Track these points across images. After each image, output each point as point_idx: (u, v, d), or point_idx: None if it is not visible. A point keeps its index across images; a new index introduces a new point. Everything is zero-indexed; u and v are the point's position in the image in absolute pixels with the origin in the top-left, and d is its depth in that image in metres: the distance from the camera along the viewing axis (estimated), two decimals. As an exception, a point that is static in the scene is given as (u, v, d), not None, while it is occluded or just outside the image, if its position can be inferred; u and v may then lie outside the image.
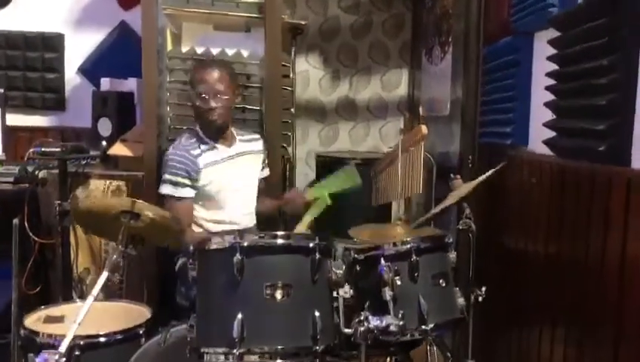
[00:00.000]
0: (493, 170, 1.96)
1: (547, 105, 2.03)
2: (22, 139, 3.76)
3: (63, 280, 2.92)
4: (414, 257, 1.64)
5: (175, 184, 2.39)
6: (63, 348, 1.60)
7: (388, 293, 1.57)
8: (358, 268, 1.70)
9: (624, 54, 1.56)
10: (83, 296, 3.05)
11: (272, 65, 2.80)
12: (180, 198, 2.40)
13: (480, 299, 1.86)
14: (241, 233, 1.52)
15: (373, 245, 1.69)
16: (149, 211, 1.68)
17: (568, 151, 1.90)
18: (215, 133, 2.49)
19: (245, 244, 1.44)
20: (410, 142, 2.41)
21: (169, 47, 2.92)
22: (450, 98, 3.13)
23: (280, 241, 1.50)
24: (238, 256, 1.42)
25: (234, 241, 1.45)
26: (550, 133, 2.03)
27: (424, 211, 2.88)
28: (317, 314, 1.46)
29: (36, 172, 3.00)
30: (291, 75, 2.91)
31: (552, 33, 2.01)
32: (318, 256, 1.49)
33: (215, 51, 2.89)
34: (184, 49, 2.91)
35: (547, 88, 2.04)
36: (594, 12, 1.71)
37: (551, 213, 2.11)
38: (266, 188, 2.73)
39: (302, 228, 2.46)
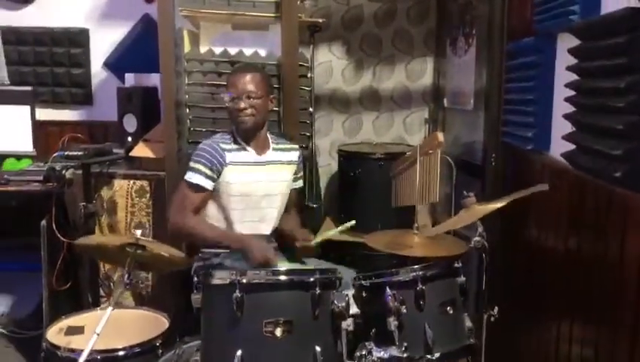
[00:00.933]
0: (516, 194, 1.89)
1: (566, 117, 1.96)
2: (52, 134, 3.85)
3: (89, 278, 3.02)
4: (420, 286, 1.62)
5: (194, 170, 2.40)
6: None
7: (393, 323, 1.56)
8: (364, 295, 1.69)
9: (643, 77, 1.49)
10: (110, 293, 3.15)
11: (290, 66, 2.77)
12: (192, 185, 2.39)
13: (492, 319, 1.83)
14: (242, 270, 1.52)
15: (379, 272, 1.66)
16: (152, 246, 1.70)
17: (586, 168, 1.83)
18: (245, 135, 2.48)
19: (244, 281, 1.45)
20: (427, 148, 2.36)
21: (187, 47, 2.90)
22: (474, 92, 3.05)
23: (280, 278, 1.50)
24: (237, 293, 1.43)
25: (233, 278, 1.45)
26: (570, 145, 1.96)
27: (446, 214, 2.84)
28: (318, 349, 1.47)
29: (63, 172, 3.08)
30: (309, 75, 2.87)
31: (573, 40, 1.92)
32: (318, 290, 1.48)
33: (233, 51, 2.87)
34: (202, 49, 2.90)
35: (566, 99, 1.96)
36: (614, 28, 1.62)
37: (569, 225, 2.06)
38: (298, 198, 2.73)
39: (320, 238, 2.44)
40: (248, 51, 2.87)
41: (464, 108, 3.19)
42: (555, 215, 2.17)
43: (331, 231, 2.48)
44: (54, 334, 2.08)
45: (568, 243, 2.05)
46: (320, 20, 2.89)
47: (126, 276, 1.66)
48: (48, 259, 3.02)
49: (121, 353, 2.02)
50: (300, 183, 2.72)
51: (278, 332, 1.44)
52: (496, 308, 1.83)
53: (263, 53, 2.87)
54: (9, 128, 3.55)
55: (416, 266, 1.69)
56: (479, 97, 2.97)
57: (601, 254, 1.74)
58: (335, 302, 1.52)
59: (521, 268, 2.54)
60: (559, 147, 2.08)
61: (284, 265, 2.34)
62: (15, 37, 3.78)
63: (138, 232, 1.76)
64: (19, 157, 3.49)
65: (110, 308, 1.62)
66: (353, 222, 2.38)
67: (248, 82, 2.42)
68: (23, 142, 3.54)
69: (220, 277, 1.50)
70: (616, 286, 1.65)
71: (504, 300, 2.62)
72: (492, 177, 2.80)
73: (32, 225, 3.03)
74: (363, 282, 1.68)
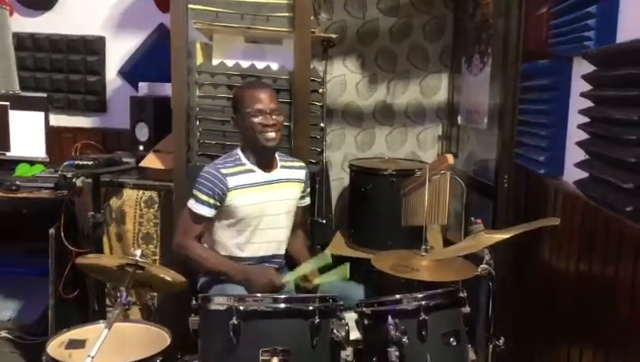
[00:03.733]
0: (526, 226, 1.84)
1: (580, 144, 1.91)
2: (66, 140, 3.88)
3: (96, 288, 3.02)
4: (423, 316, 1.58)
5: (197, 200, 2.39)
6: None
7: (394, 354, 1.52)
8: (366, 322, 1.66)
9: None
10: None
11: (301, 80, 2.75)
12: (194, 214, 2.39)
13: (498, 350, 1.79)
14: (240, 296, 1.50)
15: (382, 300, 1.63)
16: (151, 268, 1.68)
17: (598, 198, 1.79)
18: (263, 153, 2.45)
19: (242, 308, 1.42)
20: (436, 169, 2.33)
21: (200, 59, 2.90)
22: (487, 111, 3.01)
23: (278, 305, 1.47)
24: (234, 320, 1.41)
25: (231, 304, 1.43)
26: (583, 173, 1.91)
27: (458, 234, 2.79)
28: (315, 379, 1.44)
29: (74, 180, 3.09)
30: (320, 90, 2.84)
31: (588, 66, 1.88)
32: (317, 319, 1.45)
33: (245, 65, 2.86)
34: (215, 62, 2.89)
35: (579, 126, 1.91)
36: (629, 58, 1.57)
37: (581, 253, 2.01)
38: (304, 216, 2.72)
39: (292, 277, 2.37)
40: (260, 65, 2.86)
41: (478, 126, 3.15)
42: (567, 243, 2.13)
43: (307, 267, 2.40)
44: (55, 347, 2.06)
45: (579, 271, 2.01)
46: (333, 36, 2.86)
47: (124, 296, 1.65)
48: (56, 267, 3.03)
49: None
50: (307, 201, 2.69)
51: (275, 361, 1.42)
52: (502, 338, 1.78)
53: (275, 67, 2.86)
54: (23, 134, 3.58)
55: (419, 295, 1.65)
56: (493, 116, 2.92)
57: (613, 283, 1.69)
58: (335, 331, 1.49)
59: (532, 295, 2.49)
60: (573, 173, 2.03)
61: (290, 279, 2.33)
62: (32, 43, 3.82)
63: (138, 253, 1.75)
64: (32, 162, 3.52)
65: (106, 331, 1.61)
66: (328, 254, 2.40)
67: (271, 99, 2.41)
68: (37, 148, 3.57)
69: (218, 303, 1.48)
70: (627, 316, 1.61)
71: (515, 329, 2.58)
72: (504, 199, 2.76)
73: (41, 232, 3.04)
74: (364, 309, 1.65)
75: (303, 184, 2.60)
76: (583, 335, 1.92)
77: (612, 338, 1.72)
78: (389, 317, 1.57)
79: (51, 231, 2.94)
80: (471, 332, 1.73)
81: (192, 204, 2.41)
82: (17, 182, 3.20)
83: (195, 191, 2.41)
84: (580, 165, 1.90)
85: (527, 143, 2.49)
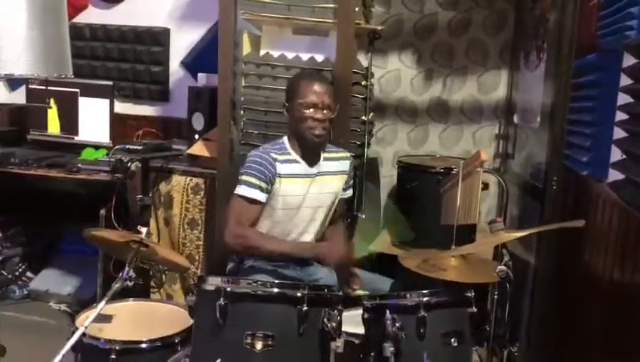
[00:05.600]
0: (545, 226, 1.74)
1: (617, 143, 1.78)
2: (130, 127, 4.05)
3: (142, 268, 3.13)
4: (422, 312, 1.52)
5: (248, 184, 2.32)
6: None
7: (389, 349, 1.48)
8: (366, 316, 1.62)
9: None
10: (161, 285, 3.26)
11: (343, 73, 2.72)
12: (250, 200, 2.32)
13: (512, 356, 1.70)
14: (232, 278, 1.50)
15: (385, 294, 1.59)
16: (155, 247, 1.72)
17: (631, 201, 1.65)
18: (308, 147, 2.40)
19: (229, 289, 1.42)
20: (470, 166, 2.24)
21: (248, 49, 2.94)
22: (540, 110, 2.86)
23: (266, 289, 1.46)
24: (221, 301, 1.41)
25: (220, 285, 1.44)
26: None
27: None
28: (300, 367, 1.42)
29: (129, 164, 3.22)
30: (364, 83, 2.80)
31: (628, 59, 1.74)
32: (306, 307, 1.43)
33: (290, 56, 2.87)
34: (262, 53, 2.92)
35: (617, 124, 1.78)
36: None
37: (617, 260, 1.87)
38: (344, 208, 2.66)
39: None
40: (305, 56, 2.86)
41: (531, 125, 3.00)
42: (604, 250, 1.99)
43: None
44: (81, 321, 2.16)
45: (613, 278, 1.87)
46: (379, 27, 2.81)
47: (126, 271, 1.70)
48: (105, 246, 3.18)
49: (143, 345, 2.07)
50: (349, 193, 2.64)
51: (259, 345, 1.41)
52: (517, 344, 1.69)
53: (319, 58, 2.85)
54: (90, 119, 3.78)
55: (424, 291, 1.59)
56: (545, 115, 2.78)
57: None
58: (325, 320, 1.46)
59: (570, 303, 2.35)
60: (616, 175, 1.89)
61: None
62: (103, 34, 4.01)
63: (144, 231, 1.80)
64: (97, 147, 3.71)
65: (102, 303, 1.66)
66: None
67: (326, 93, 2.34)
68: (102, 133, 3.76)
69: (209, 283, 1.49)
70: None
71: (554, 336, 2.45)
72: (552, 203, 2.61)
73: (98, 212, 3.20)
74: (366, 303, 1.61)
75: (346, 176, 2.54)
76: (613, 340, 1.78)
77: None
78: (387, 312, 1.52)
79: (102, 211, 3.08)
80: (478, 334, 1.65)
81: (242, 189, 2.32)
82: (79, 165, 3.39)
83: (245, 177, 2.33)
84: (615, 166, 1.77)
85: (575, 143, 2.35)
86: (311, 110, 2.32)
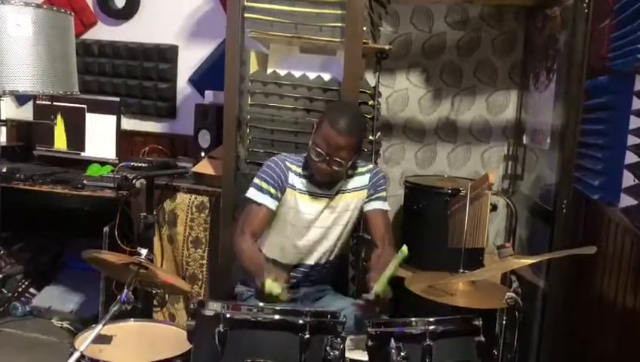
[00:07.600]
0: (557, 253, 1.69)
1: (629, 167, 1.73)
2: (136, 143, 4.04)
3: (144, 288, 3.10)
4: (428, 341, 1.47)
5: (259, 189, 2.29)
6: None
7: (393, 379, 1.43)
8: (370, 343, 1.57)
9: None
10: (163, 304, 3.22)
11: (350, 92, 2.70)
12: (259, 204, 2.28)
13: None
14: (233, 303, 1.46)
15: (390, 321, 1.54)
16: (154, 269, 1.69)
17: (643, 228, 1.61)
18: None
19: (229, 316, 1.38)
20: (478, 189, 2.19)
21: (255, 67, 2.93)
22: (550, 131, 2.81)
23: (267, 316, 1.42)
24: (220, 328, 1.37)
25: (219, 311, 1.40)
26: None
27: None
28: (302, 397, 1.37)
29: (134, 181, 3.20)
30: (371, 102, 2.78)
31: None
32: (308, 334, 1.38)
33: (297, 74, 2.85)
34: (268, 71, 2.90)
35: (629, 148, 1.74)
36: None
37: (631, 288, 1.82)
38: (383, 225, 2.40)
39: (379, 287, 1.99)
40: (312, 75, 2.84)
41: (541, 147, 2.96)
42: (616, 277, 1.93)
43: (388, 272, 2.04)
44: (81, 341, 2.12)
45: (626, 305, 1.81)
46: (386, 47, 2.79)
47: (124, 293, 1.66)
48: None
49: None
50: (378, 204, 2.40)
51: (259, 373, 1.37)
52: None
53: (327, 77, 2.83)
54: (97, 135, 3.78)
55: (431, 319, 1.54)
56: (555, 137, 2.73)
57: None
58: (327, 349, 1.42)
59: (581, 327, 2.29)
60: (628, 200, 1.85)
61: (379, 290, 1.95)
62: (112, 50, 4.03)
63: (144, 252, 1.77)
64: (103, 163, 3.69)
65: (100, 326, 1.63)
66: (404, 247, 1.98)
67: (344, 148, 2.19)
68: (108, 149, 3.75)
69: (209, 308, 1.45)
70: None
71: (561, 359, 2.39)
72: (562, 227, 2.56)
73: (101, 230, 3.18)
74: (369, 329, 1.56)
75: (365, 190, 2.41)
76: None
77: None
78: (392, 341, 1.48)
79: (105, 229, 3.06)
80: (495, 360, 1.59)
81: (251, 193, 2.29)
82: (84, 181, 3.37)
83: (255, 180, 2.30)
84: (627, 191, 1.72)
85: (586, 166, 2.31)
86: (320, 158, 2.22)
